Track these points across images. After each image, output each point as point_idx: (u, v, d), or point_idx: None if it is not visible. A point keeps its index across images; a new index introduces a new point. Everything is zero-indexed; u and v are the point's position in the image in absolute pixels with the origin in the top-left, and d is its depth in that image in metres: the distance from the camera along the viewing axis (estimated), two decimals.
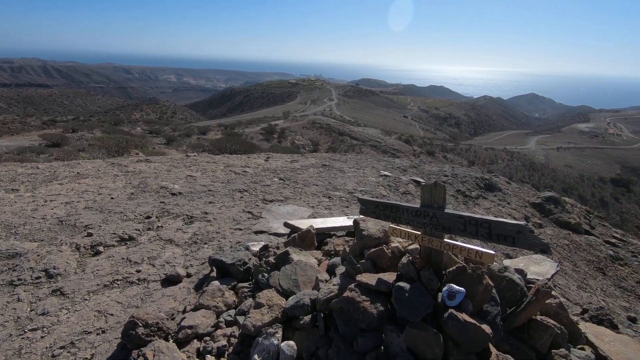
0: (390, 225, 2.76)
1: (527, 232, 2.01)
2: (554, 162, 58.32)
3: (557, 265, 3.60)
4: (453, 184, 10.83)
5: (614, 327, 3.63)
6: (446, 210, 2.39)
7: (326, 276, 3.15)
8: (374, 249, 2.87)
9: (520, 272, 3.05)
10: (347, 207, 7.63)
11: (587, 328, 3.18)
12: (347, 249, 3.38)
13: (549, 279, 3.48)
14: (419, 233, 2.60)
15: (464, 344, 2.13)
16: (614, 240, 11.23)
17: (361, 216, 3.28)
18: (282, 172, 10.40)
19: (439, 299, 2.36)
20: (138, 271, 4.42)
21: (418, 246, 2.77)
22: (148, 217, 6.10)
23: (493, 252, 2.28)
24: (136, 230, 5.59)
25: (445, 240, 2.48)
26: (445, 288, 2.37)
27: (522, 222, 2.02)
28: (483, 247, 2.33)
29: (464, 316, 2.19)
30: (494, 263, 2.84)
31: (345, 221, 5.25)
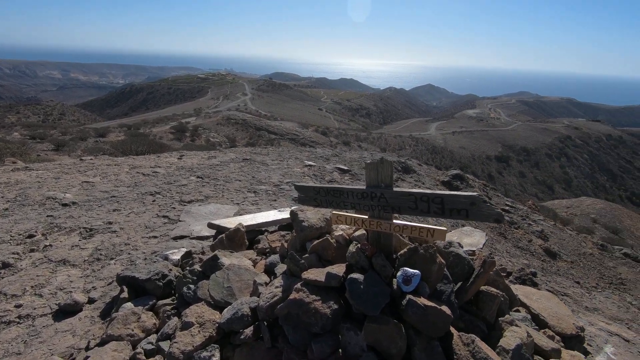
0: (333, 211, 2.49)
1: (481, 202, 1.92)
2: (451, 145, 65.65)
3: (485, 235, 3.79)
4: None
5: (534, 285, 3.98)
6: (395, 189, 2.20)
7: (265, 278, 2.76)
8: (317, 241, 2.58)
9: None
10: (275, 200, 7.25)
11: (517, 290, 3.38)
12: (286, 245, 3.03)
13: (481, 249, 3.62)
14: (366, 217, 2.38)
15: (427, 330, 1.98)
16: (507, 208, 12.85)
17: (299, 206, 2.96)
18: (200, 170, 9.53)
19: (394, 286, 2.18)
20: (18, 306, 3.45)
21: (365, 231, 2.56)
22: (30, 236, 4.91)
23: (445, 229, 2.17)
24: (14, 254, 4.43)
25: (394, 221, 2.30)
26: (399, 273, 2.19)
27: (475, 193, 1.91)
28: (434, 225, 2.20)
29: (422, 300, 2.04)
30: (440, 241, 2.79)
31: (276, 215, 4.88)
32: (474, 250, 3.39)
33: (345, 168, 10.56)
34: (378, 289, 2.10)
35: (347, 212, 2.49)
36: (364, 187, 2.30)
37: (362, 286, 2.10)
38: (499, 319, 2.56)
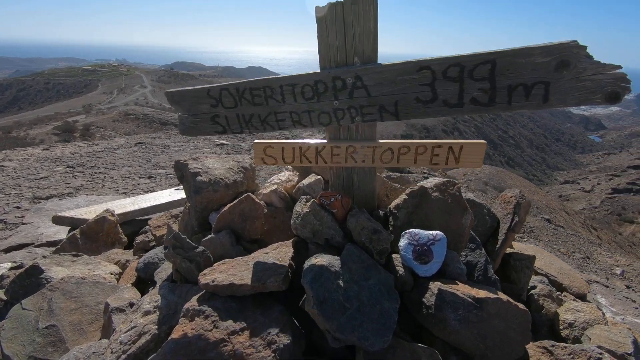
0: (257, 141, 1.19)
1: (582, 56, 0.87)
2: None
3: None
4: None
5: (518, 232, 3.34)
6: (385, 63, 1.04)
7: (133, 295, 1.40)
8: (229, 206, 1.32)
9: None
10: (179, 184, 5.65)
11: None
12: (175, 227, 1.69)
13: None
14: (324, 141, 1.20)
15: (489, 355, 0.90)
16: (426, 175, 13.00)
17: (192, 157, 1.63)
18: (73, 159, 7.33)
19: (399, 268, 1.07)
20: None
21: (320, 177, 1.38)
22: None
23: (483, 141, 1.10)
24: None
25: (381, 141, 1.16)
26: (404, 241, 1.08)
27: (567, 39, 0.87)
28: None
29: (467, 290, 0.96)
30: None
31: (173, 195, 3.42)
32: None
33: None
34: (375, 283, 0.95)
35: (283, 138, 1.27)
36: (318, 71, 1.10)
37: (338, 281, 0.92)
38: (532, 292, 1.66)
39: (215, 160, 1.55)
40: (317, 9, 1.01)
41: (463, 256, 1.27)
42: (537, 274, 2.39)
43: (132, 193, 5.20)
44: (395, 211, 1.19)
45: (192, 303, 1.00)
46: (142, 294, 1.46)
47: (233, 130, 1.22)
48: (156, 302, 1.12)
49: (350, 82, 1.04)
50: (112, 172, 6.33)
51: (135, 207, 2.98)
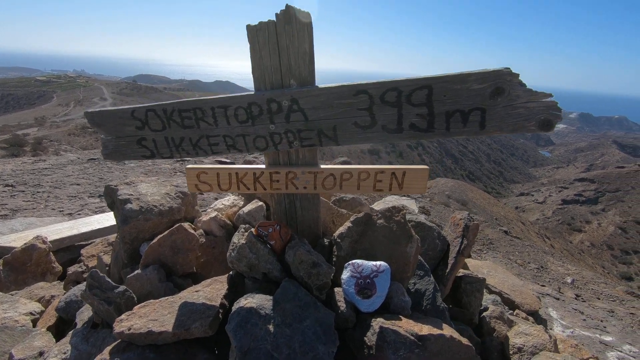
0: (189, 166, 1.08)
1: (515, 84, 0.86)
2: None
3: (414, 201, 2.98)
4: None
5: (469, 255, 3.39)
6: (322, 85, 0.99)
7: (46, 341, 1.22)
8: (159, 238, 1.19)
9: None
10: None
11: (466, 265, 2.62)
12: (106, 258, 1.52)
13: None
14: (262, 167, 1.11)
15: None
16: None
17: (125, 182, 1.49)
18: (14, 177, 6.77)
19: (340, 304, 0.99)
20: None
21: (262, 203, 1.29)
22: None
23: (426, 167, 1.07)
24: None
25: (323, 166, 1.10)
26: (346, 274, 1.01)
27: (500, 66, 0.86)
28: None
29: (410, 326, 0.90)
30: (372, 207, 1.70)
31: None
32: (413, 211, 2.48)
33: (228, 161, 9.00)
34: (311, 324, 0.87)
35: (217, 163, 1.18)
36: (253, 92, 1.02)
37: (268, 326, 0.83)
38: (484, 314, 1.65)
39: (151, 185, 1.42)
40: (249, 27, 0.95)
41: (411, 284, 1.22)
42: (491, 292, 2.42)
43: (79, 214, 4.83)
44: (339, 240, 1.12)
45: (104, 355, 0.87)
46: (63, 337, 1.28)
47: (162, 155, 1.11)
48: (65, 353, 0.97)
49: (286, 105, 0.98)
50: (57, 190, 5.89)
51: (74, 231, 2.73)
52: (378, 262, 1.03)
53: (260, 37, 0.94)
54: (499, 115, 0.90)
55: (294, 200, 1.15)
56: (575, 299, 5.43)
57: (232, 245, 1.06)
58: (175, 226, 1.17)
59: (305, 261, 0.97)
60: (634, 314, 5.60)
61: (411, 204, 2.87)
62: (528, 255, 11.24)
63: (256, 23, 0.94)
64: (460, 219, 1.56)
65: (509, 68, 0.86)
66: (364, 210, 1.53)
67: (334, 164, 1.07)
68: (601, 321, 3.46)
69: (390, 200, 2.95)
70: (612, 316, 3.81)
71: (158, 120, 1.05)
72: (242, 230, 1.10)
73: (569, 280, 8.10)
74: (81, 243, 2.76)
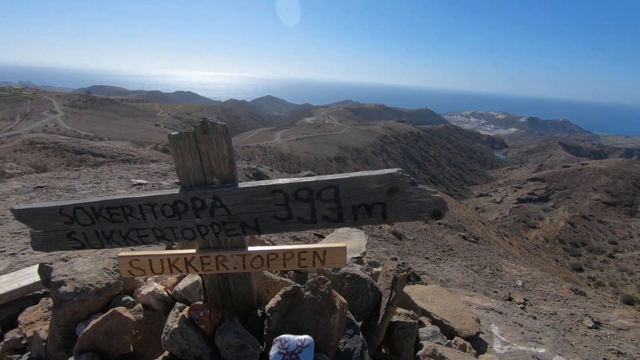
0: (121, 254, 1.14)
1: (407, 185, 1.01)
2: (296, 151, 69.44)
3: (364, 232, 3.12)
4: None
5: (418, 279, 3.58)
6: (241, 185, 1.09)
7: None
8: (93, 324, 1.22)
9: None
10: None
11: (411, 293, 2.79)
12: (42, 333, 1.51)
13: (364, 253, 2.89)
14: (193, 251, 1.19)
15: None
16: None
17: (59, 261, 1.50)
18: None
19: None
20: None
21: (198, 278, 1.35)
22: None
23: (344, 245, 1.19)
24: None
25: (250, 248, 1.19)
26: (274, 350, 1.10)
27: (394, 169, 1.00)
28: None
29: None
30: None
31: None
32: (358, 258, 2.61)
33: (145, 182, 8.82)
34: None
35: (150, 249, 1.23)
36: (178, 191, 1.10)
37: None
38: (418, 353, 1.79)
39: (88, 260, 1.44)
40: (170, 136, 1.03)
41: (342, 344, 1.33)
42: (433, 321, 2.60)
43: (23, 254, 4.57)
44: (269, 315, 1.22)
45: None
46: None
47: (93, 246, 1.15)
48: None
49: (210, 202, 1.07)
50: None
51: (15, 285, 2.60)
52: (303, 337, 1.13)
53: (182, 143, 1.03)
54: (397, 208, 1.04)
55: (227, 277, 1.23)
56: (522, 306, 5.85)
57: (166, 329, 1.12)
58: (109, 312, 1.21)
59: (233, 345, 1.05)
60: (574, 314, 6.12)
61: (360, 237, 3.01)
62: (485, 259, 11.87)
63: (176, 133, 1.02)
64: (391, 270, 1.70)
65: (402, 170, 1.01)
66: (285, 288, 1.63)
67: (262, 247, 1.15)
68: (537, 332, 3.77)
69: (342, 232, 3.08)
70: (548, 325, 4.15)
71: (87, 216, 1.10)
72: (177, 310, 1.16)
73: (520, 283, 8.67)
74: (25, 297, 2.64)
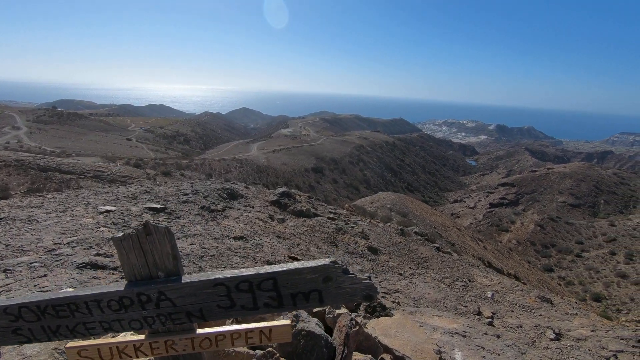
0: (69, 345, 1.17)
1: (339, 274, 1.11)
2: (273, 163, 69.31)
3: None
4: (196, 202, 9.73)
5: (384, 309, 3.68)
6: (185, 279, 1.15)
7: None
8: None
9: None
10: (45, 276, 4.88)
11: (375, 329, 2.88)
12: None
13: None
14: (141, 337, 1.23)
15: None
16: (332, 215, 13.71)
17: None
18: None
19: None
20: None
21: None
22: None
23: (289, 322, 1.27)
24: None
25: (199, 331, 1.24)
26: None
27: (328, 261, 1.10)
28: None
29: None
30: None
31: None
32: (323, 310, 2.67)
33: (159, 206, 8.64)
34: None
35: (99, 338, 1.27)
36: (123, 288, 1.15)
37: None
38: None
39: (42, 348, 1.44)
40: (114, 239, 1.09)
41: None
42: (395, 357, 2.70)
43: None
44: None
45: None
46: None
47: (39, 340, 1.18)
48: None
49: (155, 296, 1.13)
50: None
51: None
52: None
53: (125, 243, 1.09)
54: (332, 294, 1.13)
55: (178, 357, 1.28)
56: (490, 320, 6.07)
57: None
58: None
59: None
60: (538, 325, 6.41)
61: None
62: (457, 269, 12.23)
63: (120, 235, 1.08)
64: (344, 326, 1.79)
65: (335, 261, 1.10)
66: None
67: (210, 330, 1.22)
68: (498, 355, 3.95)
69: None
70: (509, 345, 4.35)
71: (32, 314, 1.12)
72: None
73: (489, 295, 8.99)
74: None
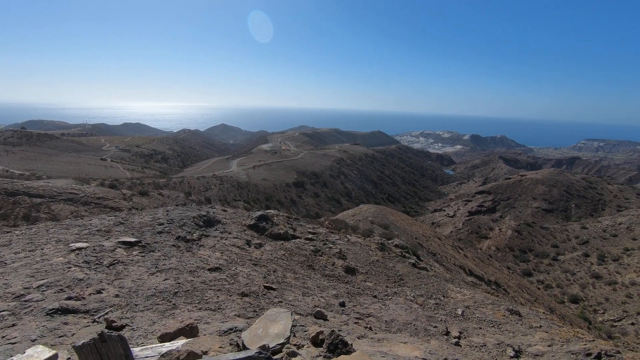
0: None
1: None
2: (254, 178, 68.97)
3: (292, 314, 3.39)
4: (171, 232, 9.72)
5: (345, 345, 3.88)
6: None
7: None
8: None
9: (262, 346, 2.46)
10: (13, 325, 4.82)
11: None
12: None
13: (289, 336, 3.17)
14: None
15: None
16: (310, 236, 13.90)
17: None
18: None
19: None
20: None
21: None
22: None
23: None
24: None
25: None
26: None
27: (252, 351, 1.33)
28: None
29: None
30: None
31: None
32: (281, 344, 2.88)
33: (133, 240, 8.57)
34: None
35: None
36: None
37: None
38: None
39: None
40: (75, 347, 1.29)
41: None
42: None
43: None
44: None
45: None
46: None
47: None
48: None
49: None
50: None
51: None
52: None
53: (84, 350, 1.29)
54: None
55: None
56: (457, 340, 6.38)
57: None
58: None
59: None
60: (501, 342, 6.77)
61: (287, 319, 3.29)
62: (432, 286, 12.59)
63: (80, 344, 1.29)
64: None
65: (259, 351, 1.34)
66: None
67: None
68: None
69: (270, 314, 3.35)
70: None
71: None
72: None
73: (460, 312, 9.35)
74: None
